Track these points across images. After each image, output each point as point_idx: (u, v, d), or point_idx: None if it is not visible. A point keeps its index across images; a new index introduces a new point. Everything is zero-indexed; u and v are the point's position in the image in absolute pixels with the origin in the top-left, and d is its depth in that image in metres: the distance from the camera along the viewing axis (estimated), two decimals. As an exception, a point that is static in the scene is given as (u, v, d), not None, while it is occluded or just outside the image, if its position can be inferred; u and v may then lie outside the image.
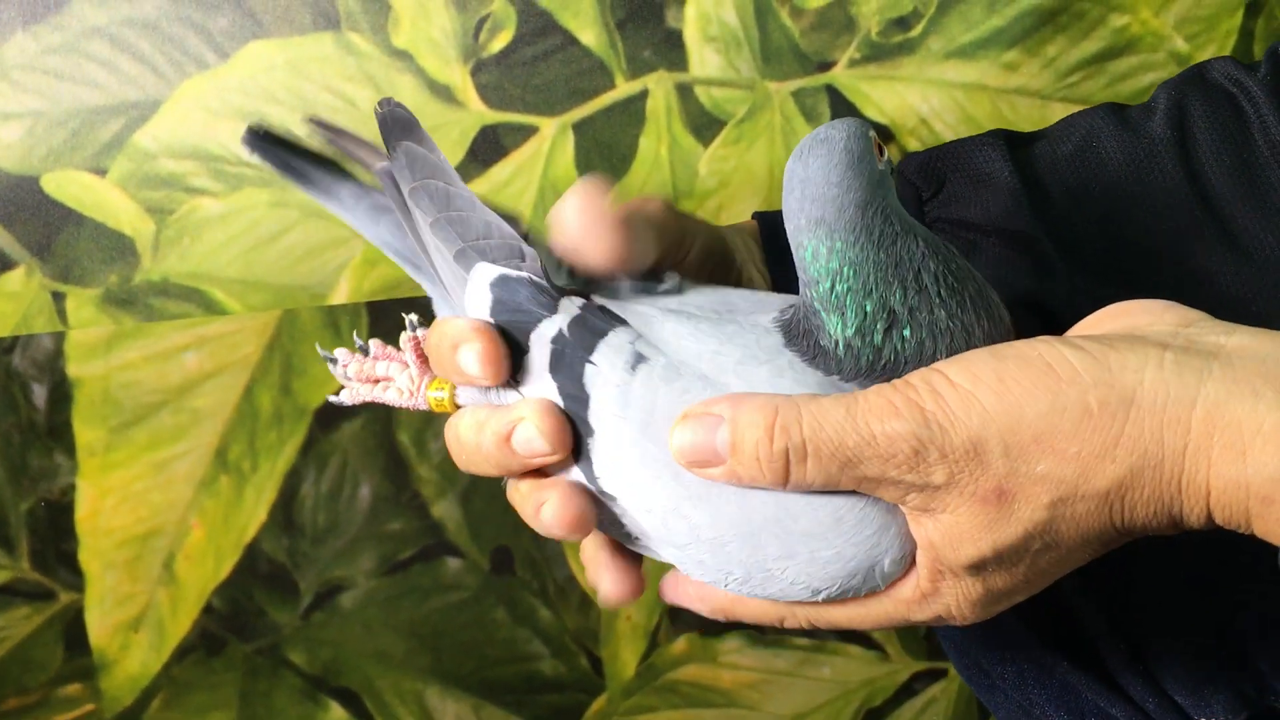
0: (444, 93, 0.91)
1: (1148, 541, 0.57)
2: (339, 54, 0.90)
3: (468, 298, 0.51)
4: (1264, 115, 0.62)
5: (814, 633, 1.00)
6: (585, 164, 0.93)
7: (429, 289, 0.55)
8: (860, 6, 0.93)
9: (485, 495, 0.97)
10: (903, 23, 0.93)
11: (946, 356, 0.47)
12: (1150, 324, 0.46)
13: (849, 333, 0.47)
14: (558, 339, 0.49)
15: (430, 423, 0.96)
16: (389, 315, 0.94)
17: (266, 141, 0.53)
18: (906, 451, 0.44)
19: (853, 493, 0.46)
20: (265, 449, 0.95)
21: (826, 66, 0.93)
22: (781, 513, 0.46)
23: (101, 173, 0.91)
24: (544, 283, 0.50)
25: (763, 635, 1.00)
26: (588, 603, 0.99)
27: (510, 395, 0.51)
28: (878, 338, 0.47)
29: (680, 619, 1.00)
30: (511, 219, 0.52)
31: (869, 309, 0.47)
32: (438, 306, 0.56)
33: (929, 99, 0.94)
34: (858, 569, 0.47)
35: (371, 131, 0.55)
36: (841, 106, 0.93)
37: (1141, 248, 0.61)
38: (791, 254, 0.49)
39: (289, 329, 0.94)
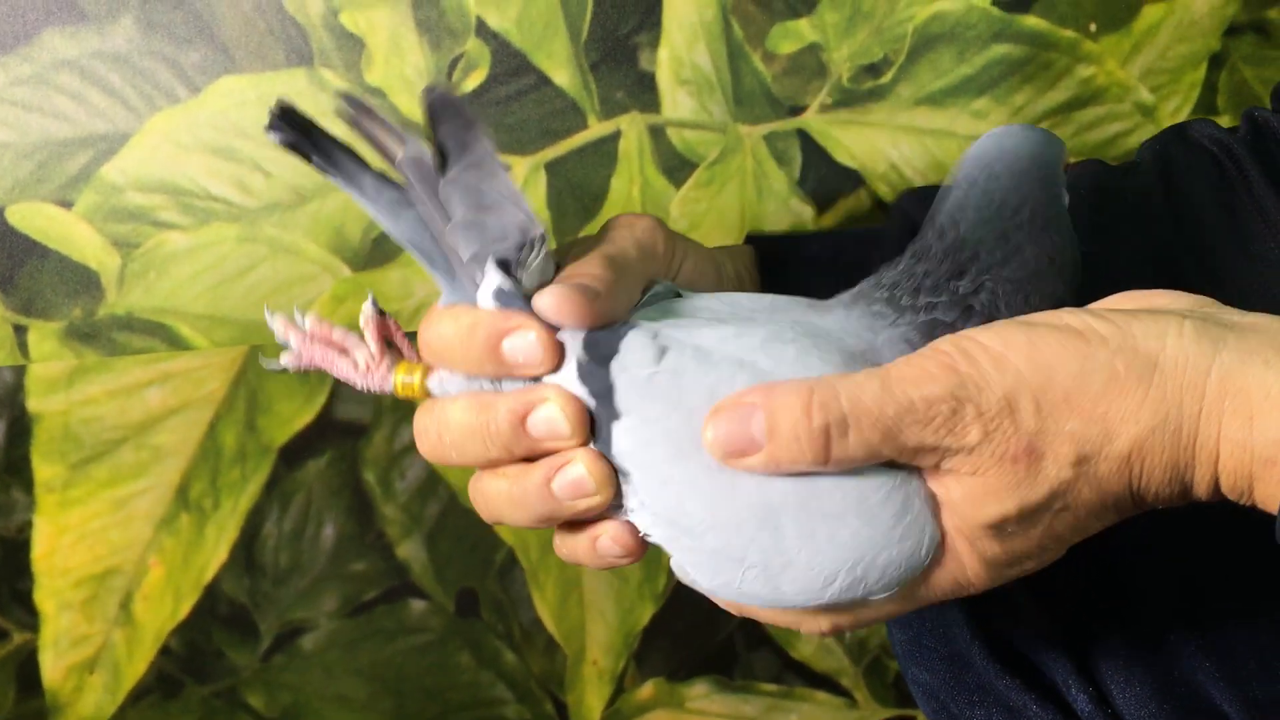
0: (416, 131, 0.91)
1: (1112, 584, 0.57)
2: (312, 90, 0.90)
3: (479, 303, 0.51)
4: (1245, 170, 0.64)
5: (781, 678, 1.00)
6: (557, 203, 0.93)
7: (446, 289, 0.54)
8: (832, 53, 0.93)
9: (451, 536, 0.96)
10: (874, 69, 0.94)
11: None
12: (1169, 303, 0.48)
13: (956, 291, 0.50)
14: (579, 363, 0.49)
15: (397, 461, 0.95)
16: (357, 353, 0.93)
17: (290, 123, 0.51)
18: (945, 413, 0.45)
19: (882, 474, 0.46)
20: (228, 487, 0.94)
21: (798, 111, 0.94)
22: (804, 490, 0.46)
23: (68, 205, 0.90)
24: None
25: (731, 681, 1.00)
26: (553, 647, 0.98)
27: (510, 385, 0.50)
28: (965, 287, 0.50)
29: (647, 663, 0.99)
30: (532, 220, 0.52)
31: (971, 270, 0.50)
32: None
33: (899, 145, 0.95)
34: (873, 556, 0.47)
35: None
36: (813, 151, 0.94)
37: (1129, 288, 0.62)
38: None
39: (255, 365, 0.93)
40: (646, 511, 0.49)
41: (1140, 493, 0.45)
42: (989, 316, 0.49)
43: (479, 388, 0.51)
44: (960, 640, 0.61)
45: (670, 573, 0.97)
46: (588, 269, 0.51)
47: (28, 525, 0.92)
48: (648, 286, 0.53)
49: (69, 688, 0.94)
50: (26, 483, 0.92)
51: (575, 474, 0.49)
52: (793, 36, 0.93)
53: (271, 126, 0.51)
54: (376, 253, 0.92)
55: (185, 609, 0.95)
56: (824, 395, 0.45)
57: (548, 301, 0.49)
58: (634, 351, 0.48)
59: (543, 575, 0.97)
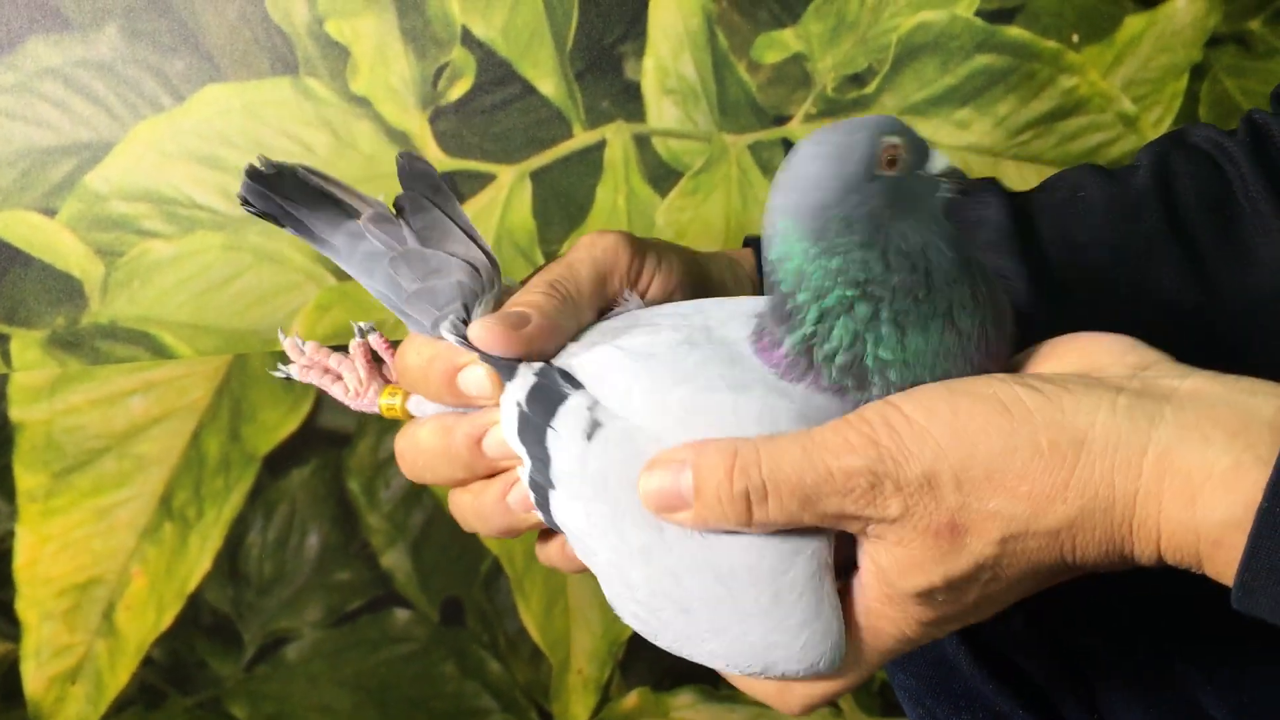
0: (401, 139, 0.91)
1: (1097, 587, 0.57)
2: (296, 99, 0.90)
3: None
4: (1243, 173, 0.64)
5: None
6: (542, 212, 0.93)
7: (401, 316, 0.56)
8: (816, 62, 0.94)
9: (436, 545, 0.96)
10: (858, 79, 0.94)
11: (911, 374, 0.47)
12: (1109, 365, 0.47)
13: (794, 339, 0.47)
14: (519, 405, 0.51)
15: (381, 470, 0.95)
16: (341, 361, 0.93)
17: (265, 183, 0.53)
18: (863, 486, 0.44)
19: (800, 571, 0.46)
20: (211, 496, 0.93)
21: (783, 120, 0.94)
22: (719, 587, 0.46)
23: (51, 213, 0.89)
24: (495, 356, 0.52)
25: (715, 690, 1.00)
26: (539, 656, 0.98)
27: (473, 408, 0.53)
28: (826, 347, 0.46)
29: (632, 673, 0.99)
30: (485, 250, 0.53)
31: (810, 315, 0.47)
32: None
33: (883, 154, 0.95)
34: (778, 660, 0.47)
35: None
36: (797, 160, 0.94)
37: (1123, 290, 0.62)
38: None
39: (239, 374, 0.92)
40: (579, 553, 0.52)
41: (1076, 564, 0.45)
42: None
43: (448, 410, 0.54)
44: (947, 645, 0.62)
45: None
46: (527, 297, 0.52)
47: (9, 535, 0.92)
48: (610, 305, 0.54)
49: (51, 698, 0.94)
50: (8, 492, 0.91)
51: (523, 490, 0.51)
52: (777, 46, 0.93)
53: (245, 189, 0.53)
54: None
55: (168, 619, 0.94)
56: (745, 460, 0.45)
57: (475, 332, 0.51)
58: (568, 422, 0.49)
59: (528, 584, 0.97)
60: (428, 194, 0.53)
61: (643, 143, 0.93)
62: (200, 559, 0.94)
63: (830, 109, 0.94)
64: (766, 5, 0.93)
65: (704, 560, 0.47)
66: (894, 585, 0.46)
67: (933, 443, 0.44)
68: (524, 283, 0.54)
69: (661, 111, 0.93)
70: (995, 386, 0.45)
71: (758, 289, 0.61)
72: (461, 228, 0.53)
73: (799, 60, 0.94)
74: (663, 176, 0.93)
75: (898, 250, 0.46)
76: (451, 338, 0.52)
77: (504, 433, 0.51)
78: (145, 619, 0.94)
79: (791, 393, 0.47)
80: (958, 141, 0.95)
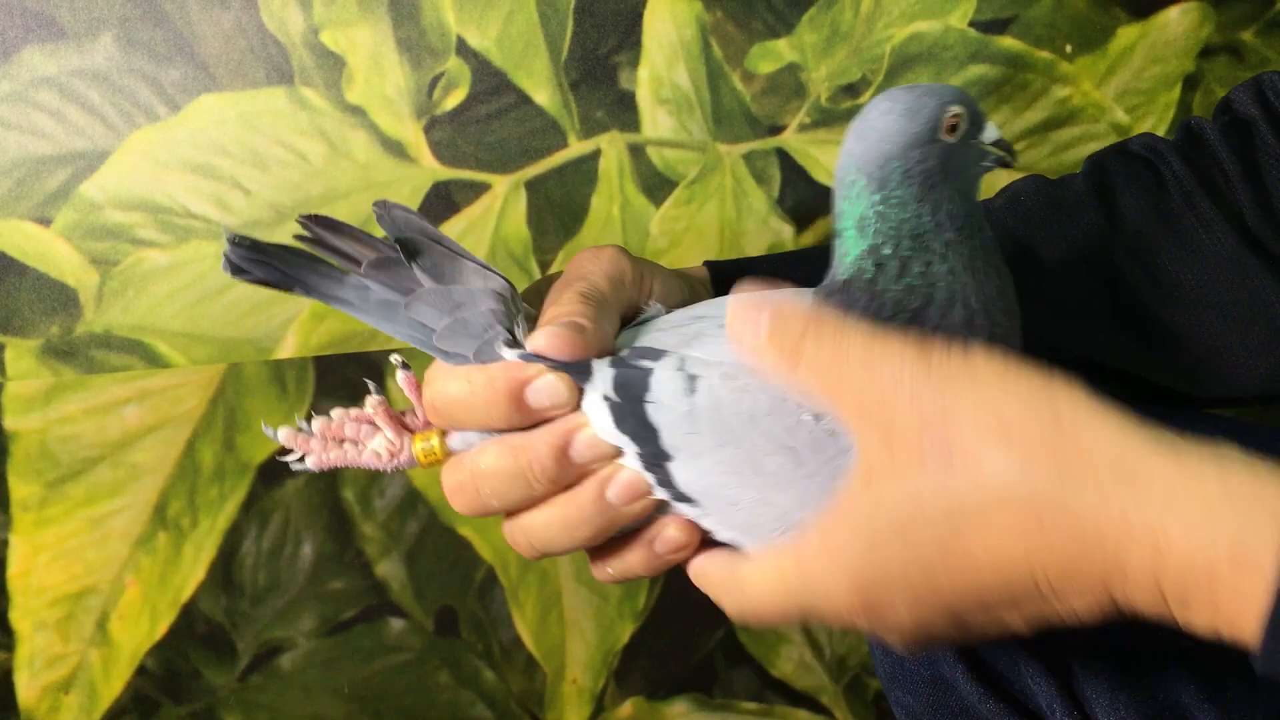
0: (396, 149, 0.91)
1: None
2: (292, 108, 0.90)
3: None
4: (1177, 172, 0.65)
5: (761, 696, 1.00)
6: (537, 221, 0.93)
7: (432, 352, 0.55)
8: (810, 72, 0.94)
9: (431, 554, 0.96)
10: (852, 89, 0.95)
11: (956, 311, 0.50)
12: (1017, 431, 0.45)
13: (847, 262, 0.51)
14: (607, 398, 0.51)
15: (376, 480, 0.95)
16: (336, 370, 0.93)
17: (250, 253, 0.52)
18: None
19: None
20: (205, 505, 0.93)
21: (777, 130, 0.94)
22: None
23: (46, 222, 0.89)
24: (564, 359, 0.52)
25: (710, 699, 1.00)
26: (533, 665, 0.98)
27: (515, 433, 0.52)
28: (868, 275, 0.51)
29: (627, 682, 0.99)
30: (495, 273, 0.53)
31: (860, 248, 0.51)
32: None
33: (877, 164, 0.95)
34: None
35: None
36: (792, 169, 0.94)
37: (1065, 285, 0.63)
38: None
39: (233, 383, 0.92)
40: (713, 521, 0.51)
41: (1053, 588, 0.46)
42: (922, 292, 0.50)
43: (490, 436, 0.52)
44: (944, 664, 0.62)
45: (650, 591, 0.97)
46: (566, 309, 0.52)
47: (3, 544, 0.92)
48: (631, 315, 0.54)
49: (44, 708, 0.93)
50: (2, 501, 0.91)
51: (627, 477, 0.50)
52: (772, 56, 0.94)
53: (238, 267, 0.52)
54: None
55: (162, 628, 0.94)
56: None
57: (538, 343, 0.50)
58: (666, 388, 0.50)
59: (522, 594, 0.97)
60: (420, 235, 0.52)
61: (637, 152, 0.93)
62: (194, 568, 0.94)
63: (824, 119, 0.94)
64: (761, 16, 0.93)
65: (837, 460, 0.48)
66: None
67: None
68: (539, 300, 0.54)
69: (656, 121, 0.93)
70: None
71: None
72: (469, 259, 0.53)
73: (793, 70, 0.94)
74: (657, 186, 0.94)
75: (948, 212, 0.51)
76: (511, 354, 0.51)
77: (597, 433, 0.51)
78: (139, 628, 0.94)
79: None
80: (951, 151, 0.96)
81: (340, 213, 0.90)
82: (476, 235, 0.93)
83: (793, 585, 0.48)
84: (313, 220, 0.53)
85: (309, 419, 0.55)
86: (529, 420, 0.51)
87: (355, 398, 0.96)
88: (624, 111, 0.93)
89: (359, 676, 0.96)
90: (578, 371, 0.51)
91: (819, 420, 0.48)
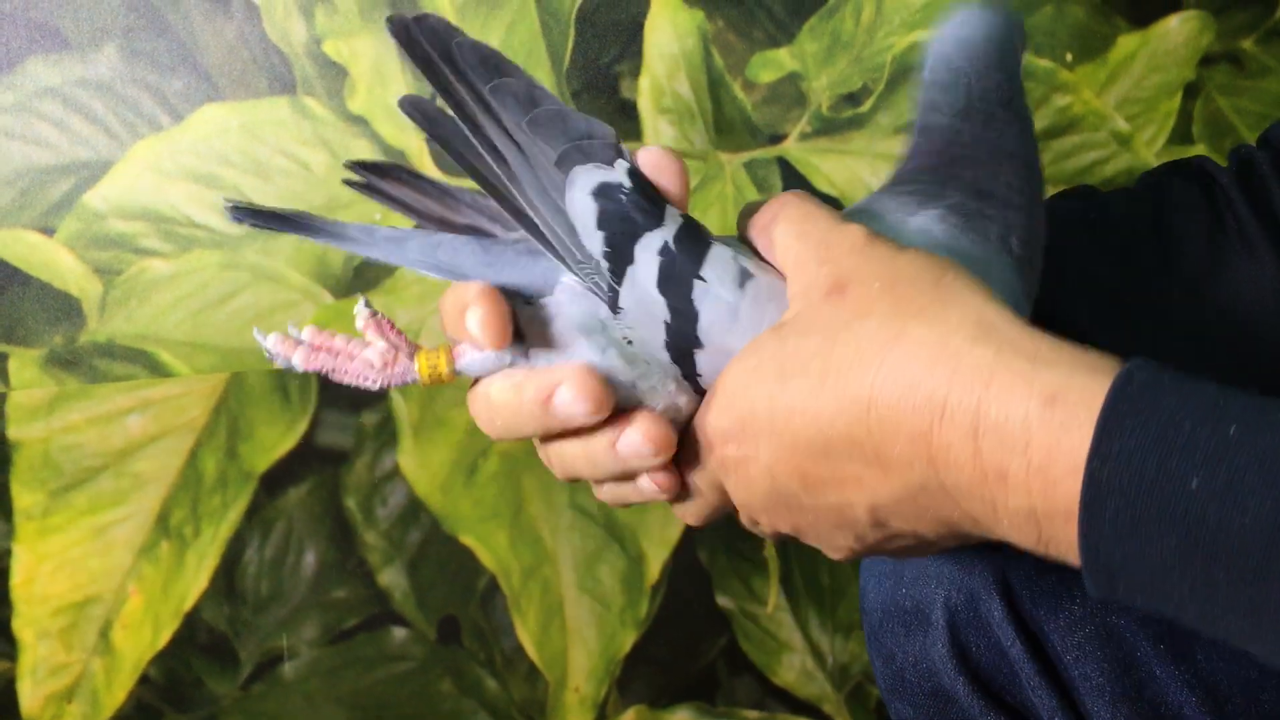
0: (399, 158, 0.91)
1: (1096, 616, 0.57)
2: (294, 118, 0.90)
3: (571, 205, 0.48)
4: (1232, 200, 0.65)
5: (763, 704, 1.00)
6: (539, 231, 0.93)
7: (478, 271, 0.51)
8: (811, 82, 0.94)
9: (433, 563, 0.96)
10: (853, 98, 0.95)
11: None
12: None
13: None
14: (664, 251, 0.48)
15: (378, 488, 0.95)
16: (339, 379, 0.93)
17: (250, 212, 0.50)
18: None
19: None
20: (208, 514, 0.93)
21: (778, 139, 0.95)
22: None
23: (49, 232, 0.90)
24: (648, 189, 0.49)
25: (713, 707, 1.00)
26: (535, 674, 0.98)
27: (541, 359, 0.49)
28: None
29: (629, 690, 0.99)
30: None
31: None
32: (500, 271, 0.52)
33: (878, 172, 0.95)
34: None
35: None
36: (793, 178, 0.94)
37: (1118, 308, 0.63)
38: None
39: (236, 392, 0.93)
40: None
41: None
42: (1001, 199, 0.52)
43: (506, 362, 0.49)
44: (944, 675, 0.62)
45: (652, 600, 0.97)
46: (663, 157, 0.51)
47: (6, 553, 0.92)
48: None
49: (47, 717, 0.94)
50: (6, 510, 0.92)
51: (632, 440, 0.48)
52: (772, 66, 0.94)
53: (236, 208, 0.50)
54: (359, 280, 0.92)
55: (165, 637, 0.94)
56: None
57: (647, 158, 0.49)
58: (718, 271, 0.47)
59: (525, 602, 0.97)
60: (498, 66, 0.48)
61: (639, 161, 0.94)
62: (197, 577, 0.94)
63: (825, 128, 0.95)
64: (762, 25, 0.94)
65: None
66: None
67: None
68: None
69: (657, 130, 0.93)
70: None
71: None
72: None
73: (794, 79, 0.94)
74: (659, 195, 0.94)
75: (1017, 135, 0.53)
76: (600, 174, 0.48)
77: (641, 286, 0.47)
78: (142, 637, 0.94)
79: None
80: (952, 160, 0.96)
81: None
82: (478, 244, 0.93)
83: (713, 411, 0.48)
84: (362, 166, 0.50)
85: (299, 329, 0.52)
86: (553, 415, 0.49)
87: (358, 407, 0.97)
88: (625, 121, 0.93)
89: (361, 685, 0.96)
90: (652, 213, 0.48)
91: None
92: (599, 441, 0.49)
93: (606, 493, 0.52)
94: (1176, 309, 0.63)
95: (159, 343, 0.92)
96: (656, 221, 0.48)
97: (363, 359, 0.50)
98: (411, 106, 0.50)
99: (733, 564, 0.98)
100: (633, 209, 0.48)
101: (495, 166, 0.48)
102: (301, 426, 0.93)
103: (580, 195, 0.48)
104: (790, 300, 0.48)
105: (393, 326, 0.50)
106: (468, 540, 0.96)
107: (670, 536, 0.97)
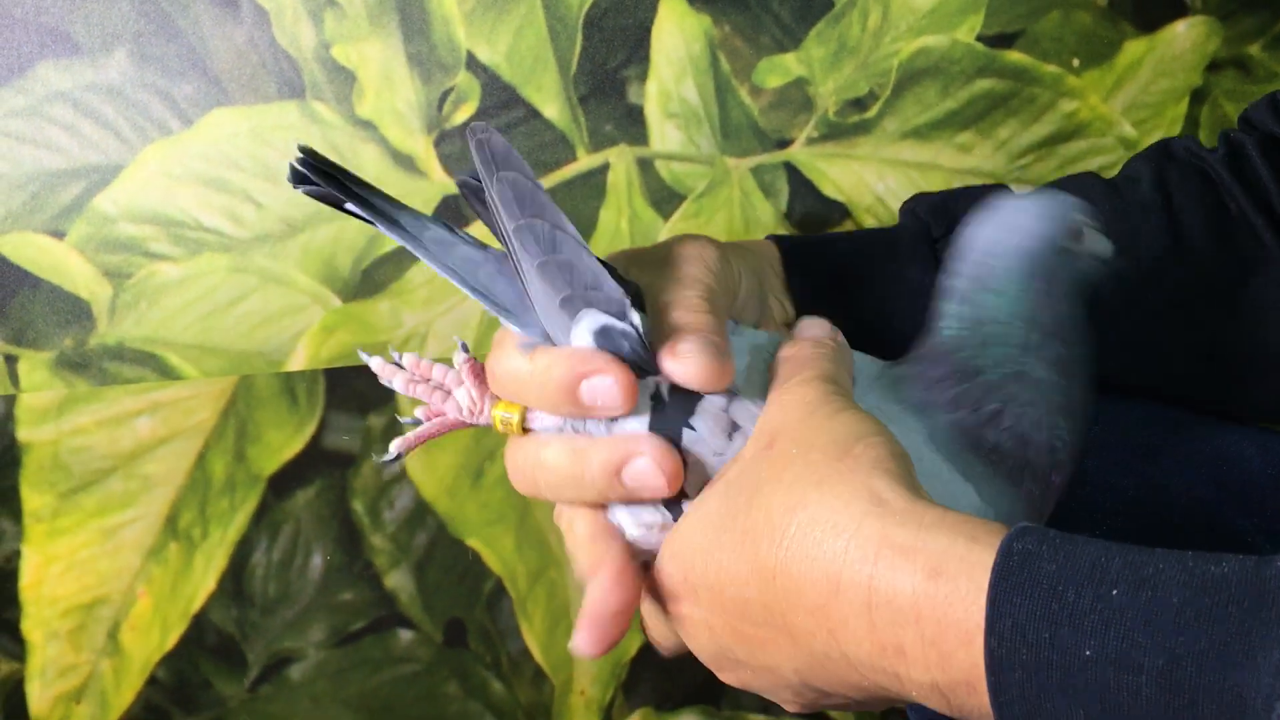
0: (407, 162, 0.92)
1: None
2: (303, 123, 0.91)
3: (574, 340, 0.50)
4: (1229, 186, 0.65)
5: (769, 708, 1.00)
6: (546, 235, 0.93)
7: (511, 323, 0.53)
8: (818, 86, 0.95)
9: (440, 566, 0.96)
10: (859, 103, 0.95)
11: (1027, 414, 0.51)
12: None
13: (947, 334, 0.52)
14: (656, 397, 0.49)
15: (385, 491, 0.96)
16: (346, 383, 0.93)
17: (314, 169, 0.52)
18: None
19: None
20: (216, 516, 0.94)
21: (785, 144, 0.95)
22: None
23: (60, 236, 0.90)
24: (645, 340, 0.50)
25: (718, 711, 1.00)
26: (541, 676, 0.98)
27: (598, 428, 0.50)
28: (965, 354, 0.52)
29: (635, 694, 0.99)
30: (618, 275, 0.51)
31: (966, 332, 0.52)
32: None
33: (885, 178, 0.95)
34: None
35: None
36: (799, 183, 0.95)
37: (1131, 299, 0.63)
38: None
39: (245, 395, 0.93)
40: None
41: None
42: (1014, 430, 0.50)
43: (570, 427, 0.51)
44: None
45: (658, 603, 0.97)
46: (697, 318, 0.50)
47: (16, 555, 0.92)
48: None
49: (56, 718, 0.94)
50: (15, 512, 0.92)
51: (645, 467, 0.49)
52: (779, 71, 0.94)
53: (296, 178, 0.52)
54: (366, 283, 0.93)
55: (173, 639, 0.94)
56: None
57: (688, 368, 0.48)
58: (709, 423, 0.48)
59: (531, 605, 0.97)
60: (515, 173, 0.50)
61: (645, 166, 0.94)
62: (205, 579, 0.94)
63: (832, 132, 0.95)
64: (768, 30, 0.94)
65: None
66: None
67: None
68: (638, 278, 0.52)
69: (664, 135, 0.94)
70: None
71: (786, 289, 0.61)
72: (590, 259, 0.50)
73: (801, 84, 0.94)
74: (665, 199, 0.94)
75: (1053, 315, 0.53)
76: (593, 318, 0.49)
77: (653, 463, 0.49)
78: (150, 639, 0.94)
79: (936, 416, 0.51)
80: (959, 165, 0.96)
81: (350, 228, 0.91)
82: (486, 248, 0.93)
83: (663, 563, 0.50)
84: (314, 160, 0.52)
85: (400, 354, 0.55)
86: (579, 413, 0.49)
87: (366, 409, 0.97)
88: (632, 125, 0.93)
89: (368, 687, 0.97)
90: (647, 358, 0.49)
91: None
92: (598, 455, 0.50)
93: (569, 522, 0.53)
94: (1193, 299, 0.63)
95: (168, 346, 0.92)
96: (653, 369, 0.49)
97: (454, 400, 0.53)
98: (466, 188, 0.54)
99: (739, 568, 0.98)
100: (629, 354, 0.49)
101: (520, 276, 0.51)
102: (309, 429, 0.94)
103: (583, 333, 0.49)
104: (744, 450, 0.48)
105: (483, 372, 0.53)
106: (474, 543, 0.96)
107: (676, 540, 0.97)
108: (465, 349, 0.53)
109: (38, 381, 0.91)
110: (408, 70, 0.91)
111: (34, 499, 0.92)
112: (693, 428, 0.49)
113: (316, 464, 0.94)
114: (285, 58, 0.90)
